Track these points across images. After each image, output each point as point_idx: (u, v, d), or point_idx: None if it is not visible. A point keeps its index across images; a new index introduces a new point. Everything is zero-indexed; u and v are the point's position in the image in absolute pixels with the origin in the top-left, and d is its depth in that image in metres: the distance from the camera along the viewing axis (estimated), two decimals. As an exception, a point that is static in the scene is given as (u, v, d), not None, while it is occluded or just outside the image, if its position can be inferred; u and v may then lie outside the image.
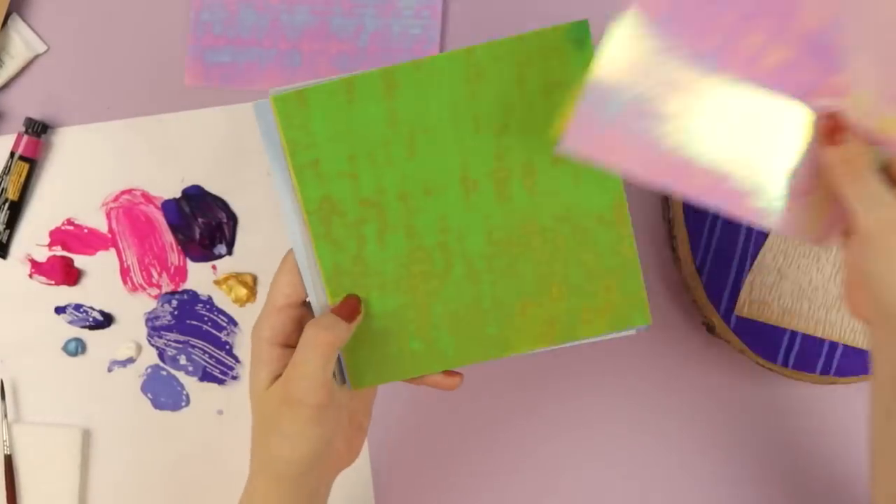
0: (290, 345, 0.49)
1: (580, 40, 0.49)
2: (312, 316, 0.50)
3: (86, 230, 0.68)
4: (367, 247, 0.50)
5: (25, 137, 0.67)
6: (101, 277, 0.68)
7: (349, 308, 0.49)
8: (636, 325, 0.51)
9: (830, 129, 0.45)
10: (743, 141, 0.47)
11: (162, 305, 0.68)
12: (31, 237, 0.68)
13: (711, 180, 0.47)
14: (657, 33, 0.46)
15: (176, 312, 0.68)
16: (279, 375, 0.48)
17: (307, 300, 0.50)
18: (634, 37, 0.46)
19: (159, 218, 0.68)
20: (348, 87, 0.49)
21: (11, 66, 0.68)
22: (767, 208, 0.48)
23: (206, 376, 0.68)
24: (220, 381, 0.68)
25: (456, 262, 0.51)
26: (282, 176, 0.49)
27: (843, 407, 0.69)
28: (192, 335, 0.68)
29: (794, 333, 0.65)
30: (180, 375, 0.68)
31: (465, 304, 0.52)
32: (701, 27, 0.46)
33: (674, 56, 0.46)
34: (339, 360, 0.52)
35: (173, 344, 0.68)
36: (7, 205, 0.67)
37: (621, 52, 0.46)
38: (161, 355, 0.68)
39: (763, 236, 0.65)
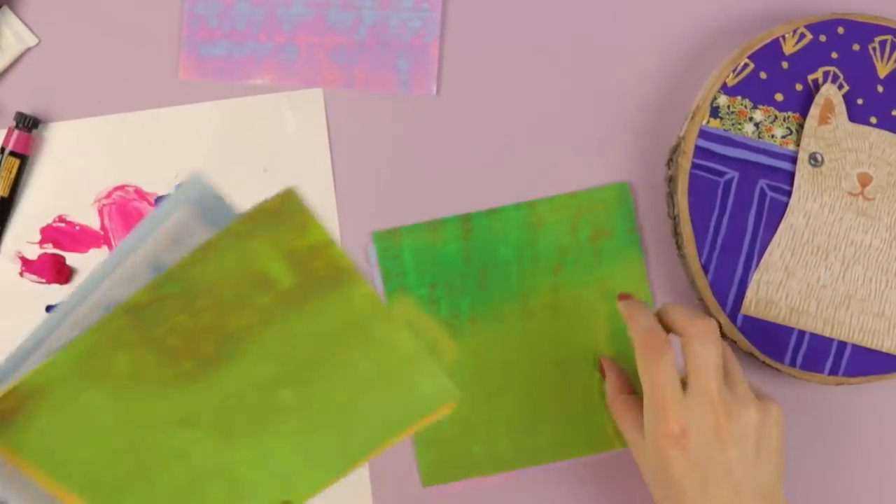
0: None
1: (622, 198, 0.64)
2: None
3: (78, 227, 0.67)
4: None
5: (16, 132, 0.66)
6: (94, 276, 0.67)
7: None
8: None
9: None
10: None
11: (155, 304, 0.67)
12: (22, 234, 0.67)
13: None
14: None
15: (170, 311, 0.67)
16: None
17: None
18: None
19: (153, 215, 0.67)
20: (433, 228, 0.62)
21: (1, 60, 0.67)
22: None
23: (200, 377, 0.67)
24: (215, 382, 0.67)
25: (515, 377, 0.62)
26: None
27: (851, 407, 0.68)
28: (187, 335, 0.67)
29: (801, 333, 0.64)
30: (174, 376, 0.67)
31: (521, 414, 0.62)
32: None
33: None
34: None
35: (167, 344, 0.67)
36: (-3, 201, 0.66)
37: None
38: (155, 355, 0.67)
39: (770, 234, 0.64)
